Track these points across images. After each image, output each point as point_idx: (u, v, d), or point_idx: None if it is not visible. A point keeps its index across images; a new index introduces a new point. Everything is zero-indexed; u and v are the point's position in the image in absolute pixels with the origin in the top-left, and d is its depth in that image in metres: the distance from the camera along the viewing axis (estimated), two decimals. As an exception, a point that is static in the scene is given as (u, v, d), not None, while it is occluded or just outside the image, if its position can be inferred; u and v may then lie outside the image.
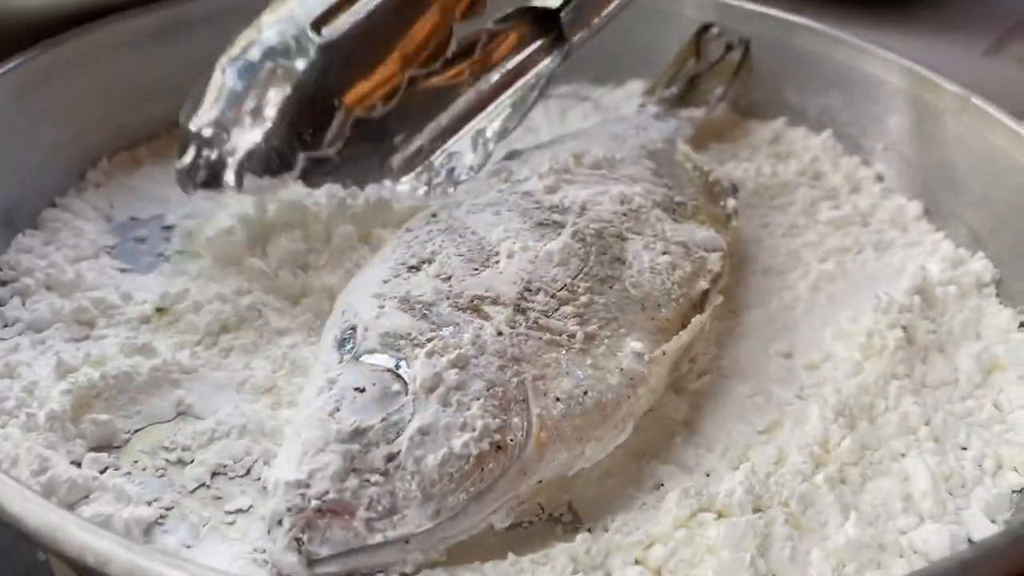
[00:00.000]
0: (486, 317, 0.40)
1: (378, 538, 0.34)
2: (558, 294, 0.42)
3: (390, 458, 0.35)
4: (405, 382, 0.37)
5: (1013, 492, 0.40)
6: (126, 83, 0.59)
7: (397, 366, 0.38)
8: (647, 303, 0.43)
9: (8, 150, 0.51)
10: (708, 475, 0.40)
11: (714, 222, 0.50)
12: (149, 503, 0.38)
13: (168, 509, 0.38)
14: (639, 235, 0.46)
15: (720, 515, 0.37)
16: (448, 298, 0.41)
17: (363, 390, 0.37)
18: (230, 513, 0.38)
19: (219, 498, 0.39)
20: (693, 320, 0.43)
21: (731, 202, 0.53)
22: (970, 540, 0.38)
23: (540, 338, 0.40)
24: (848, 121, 0.63)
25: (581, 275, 0.43)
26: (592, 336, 0.41)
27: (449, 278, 0.42)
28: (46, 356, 0.44)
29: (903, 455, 0.41)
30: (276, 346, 0.46)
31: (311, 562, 0.33)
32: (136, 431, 0.41)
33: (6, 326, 0.46)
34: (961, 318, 0.49)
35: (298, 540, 0.33)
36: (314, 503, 0.33)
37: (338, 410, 0.36)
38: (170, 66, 0.61)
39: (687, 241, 0.47)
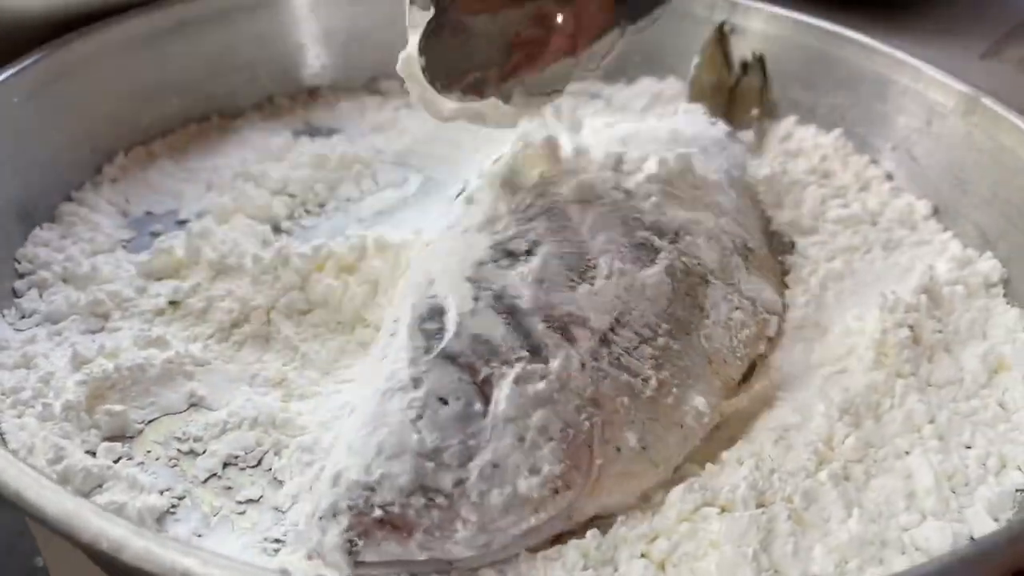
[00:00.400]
0: (572, 340, 0.39)
1: (424, 556, 0.34)
2: (641, 331, 0.41)
3: (458, 483, 0.35)
4: (487, 400, 0.37)
5: (1016, 491, 0.40)
6: (140, 80, 0.60)
7: (484, 381, 0.37)
8: (715, 357, 0.43)
9: (24, 146, 0.52)
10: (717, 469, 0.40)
11: (773, 277, 0.50)
12: (161, 492, 0.39)
13: (180, 498, 0.39)
14: (719, 282, 0.46)
15: (723, 510, 0.38)
16: (541, 309, 0.40)
17: (447, 403, 0.36)
18: (240, 503, 0.39)
19: (230, 488, 0.39)
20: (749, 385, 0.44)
21: (791, 259, 0.52)
22: (972, 538, 0.38)
23: (618, 378, 0.39)
24: (857, 120, 0.63)
25: (665, 315, 0.42)
26: (663, 384, 0.40)
27: (544, 282, 0.41)
28: (62, 348, 0.45)
29: (907, 453, 0.41)
30: (288, 340, 0.46)
31: (356, 563, 0.33)
32: (149, 422, 0.42)
33: (23, 318, 0.47)
34: (968, 318, 0.49)
35: (351, 542, 0.33)
36: (377, 512, 0.33)
37: (420, 418, 0.36)
38: (183, 63, 0.62)
39: (756, 299, 0.47)
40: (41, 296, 0.48)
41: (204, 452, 0.41)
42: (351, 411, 0.40)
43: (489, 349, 0.38)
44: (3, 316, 0.46)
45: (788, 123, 0.66)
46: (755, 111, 0.65)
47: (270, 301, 0.47)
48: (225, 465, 0.40)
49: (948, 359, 0.47)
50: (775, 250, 0.52)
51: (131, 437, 0.42)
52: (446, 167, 0.62)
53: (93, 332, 0.46)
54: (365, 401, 0.39)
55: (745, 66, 0.67)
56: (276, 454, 0.41)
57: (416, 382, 0.37)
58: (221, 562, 0.26)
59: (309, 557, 0.34)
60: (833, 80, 0.64)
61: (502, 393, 0.37)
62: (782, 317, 0.48)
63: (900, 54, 0.61)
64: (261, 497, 0.39)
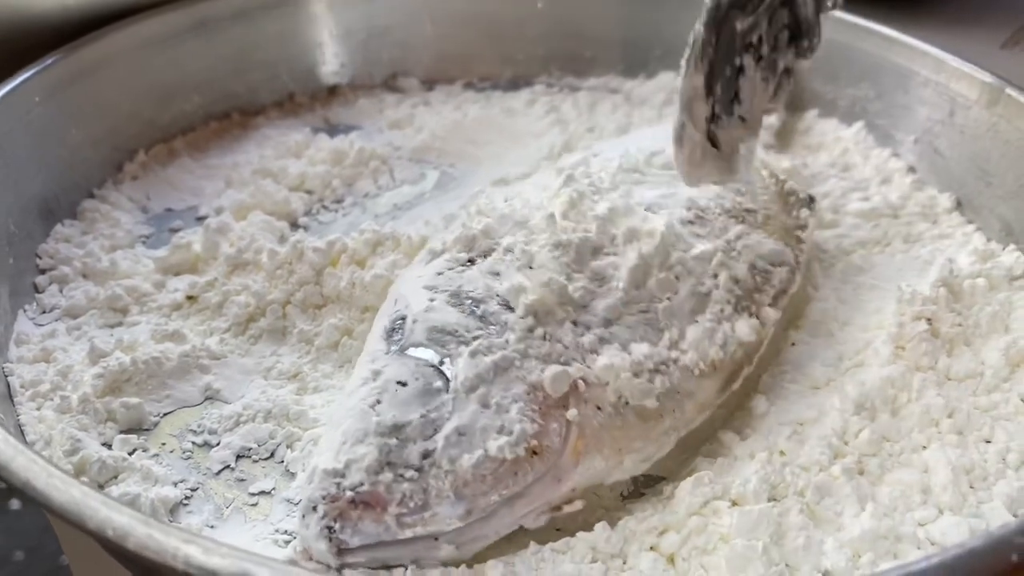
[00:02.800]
0: (535, 316, 0.39)
1: (408, 533, 0.34)
2: (610, 300, 0.41)
3: (425, 455, 0.34)
4: (447, 379, 0.37)
5: (1036, 486, 0.40)
6: (161, 78, 0.61)
7: (441, 362, 0.37)
8: (709, 302, 0.42)
9: (46, 144, 0.53)
10: (728, 463, 0.40)
11: (785, 234, 0.49)
12: (175, 484, 0.39)
13: (193, 490, 0.39)
14: (704, 240, 0.45)
15: (735, 503, 0.37)
16: (498, 295, 0.40)
17: (405, 384, 0.37)
18: (253, 495, 0.39)
19: (243, 480, 0.40)
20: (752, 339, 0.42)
21: (804, 213, 0.51)
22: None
23: (587, 344, 0.39)
24: (879, 112, 0.62)
25: (631, 284, 0.42)
26: (646, 333, 0.40)
27: (499, 274, 0.42)
28: (81, 342, 0.45)
29: (924, 447, 0.41)
30: (303, 334, 0.46)
31: (341, 551, 0.33)
32: (165, 414, 0.43)
33: (44, 312, 0.48)
34: (989, 311, 0.48)
35: (329, 528, 0.33)
36: (348, 494, 0.33)
37: (379, 402, 0.36)
38: (204, 61, 0.63)
39: (754, 252, 0.46)
40: (61, 291, 0.49)
41: (218, 444, 0.41)
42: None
43: (446, 335, 0.39)
44: (24, 311, 0.47)
45: (810, 116, 0.65)
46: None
47: (285, 295, 0.47)
48: (238, 457, 0.41)
49: (968, 353, 0.46)
50: (791, 206, 0.51)
51: (147, 429, 0.42)
52: (463, 163, 0.62)
53: (111, 326, 0.47)
54: (334, 411, 0.39)
55: None
56: (289, 447, 0.41)
57: (375, 374, 0.38)
58: (223, 550, 0.26)
59: (306, 558, 0.34)
60: (854, 72, 0.63)
61: (459, 365, 0.37)
62: (793, 267, 0.47)
63: (922, 45, 0.60)
64: (273, 489, 0.39)
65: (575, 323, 0.40)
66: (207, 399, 0.44)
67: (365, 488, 0.34)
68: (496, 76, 0.72)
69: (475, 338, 0.38)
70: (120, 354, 0.44)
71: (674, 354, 0.40)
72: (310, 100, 0.68)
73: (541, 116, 0.66)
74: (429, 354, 0.38)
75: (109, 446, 0.40)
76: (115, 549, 0.29)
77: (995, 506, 0.38)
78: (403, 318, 0.40)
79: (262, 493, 0.39)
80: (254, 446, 0.41)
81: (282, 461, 0.41)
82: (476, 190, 0.57)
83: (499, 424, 0.35)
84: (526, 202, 0.48)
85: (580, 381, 0.38)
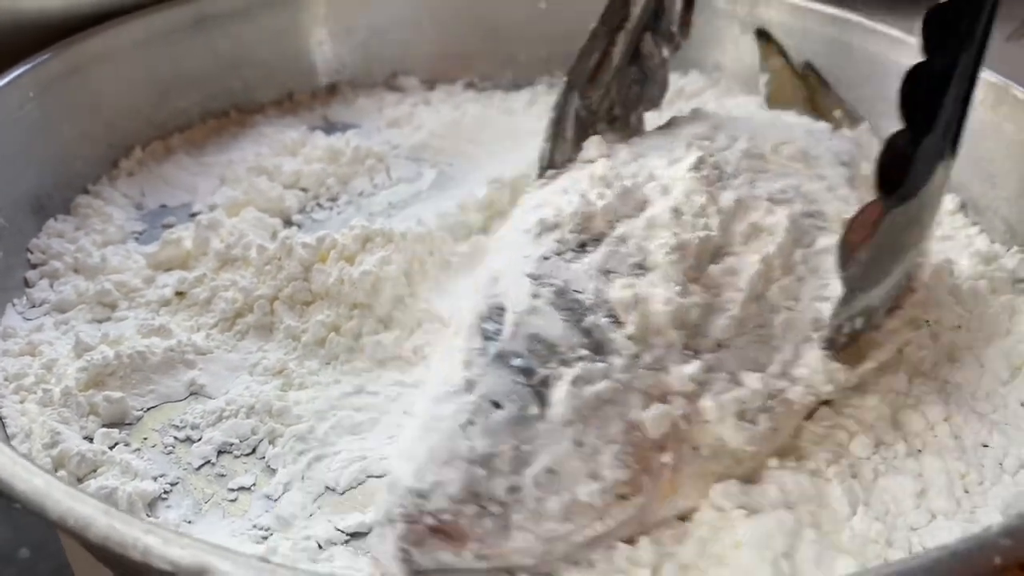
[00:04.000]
0: (644, 339, 0.37)
1: (483, 564, 0.33)
2: (724, 319, 0.38)
3: (512, 490, 0.33)
4: (543, 404, 0.35)
5: (1034, 490, 0.38)
6: (158, 75, 0.61)
7: (542, 382, 0.35)
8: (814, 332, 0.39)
9: (39, 139, 0.53)
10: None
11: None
12: (155, 478, 0.39)
13: (173, 485, 0.39)
14: (827, 234, 0.41)
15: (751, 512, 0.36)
16: (607, 303, 0.37)
17: (500, 406, 0.34)
18: (232, 490, 0.39)
19: (223, 475, 0.39)
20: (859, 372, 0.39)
21: None
22: None
23: (693, 375, 0.36)
24: (883, 113, 0.61)
25: (751, 297, 0.39)
26: (753, 366, 0.37)
27: (610, 273, 0.39)
28: (67, 336, 0.45)
29: (920, 451, 0.40)
30: (290, 330, 0.46)
31: (414, 572, 0.33)
32: (149, 409, 0.42)
33: (33, 307, 0.47)
34: (991, 314, 0.47)
35: (405, 551, 0.32)
36: (429, 520, 0.32)
37: (472, 424, 0.34)
38: (202, 58, 0.63)
39: None
40: (52, 286, 0.48)
41: (200, 439, 0.41)
42: (409, 415, 0.38)
43: (547, 348, 0.36)
44: (13, 305, 0.47)
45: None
46: (838, 112, 0.62)
47: (273, 291, 0.47)
48: (220, 453, 0.40)
49: (970, 356, 0.45)
50: None
51: (130, 424, 0.42)
52: (461, 162, 0.62)
53: (99, 321, 0.47)
54: (422, 405, 0.37)
55: (805, 75, 0.65)
56: (271, 442, 0.41)
57: (469, 385, 0.35)
58: (183, 541, 0.26)
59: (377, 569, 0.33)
60: (858, 72, 0.62)
61: (559, 395, 0.34)
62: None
63: (927, 45, 0.59)
64: (253, 485, 0.39)
65: (684, 347, 0.37)
66: (191, 394, 0.43)
67: (447, 517, 0.32)
68: (497, 76, 0.71)
69: (578, 358, 0.36)
70: (105, 348, 0.43)
71: (782, 384, 0.37)
72: (309, 98, 0.68)
73: (541, 116, 0.65)
74: (527, 368, 0.36)
75: (91, 440, 0.40)
76: (81, 541, 0.28)
77: (989, 511, 0.37)
78: (501, 309, 0.38)
79: (241, 489, 0.39)
80: (236, 441, 0.41)
81: (263, 457, 0.40)
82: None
83: (591, 468, 0.33)
84: (650, 174, 0.44)
85: (681, 420, 0.35)
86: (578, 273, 0.39)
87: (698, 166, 0.43)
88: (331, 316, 0.46)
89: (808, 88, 0.63)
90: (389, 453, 0.38)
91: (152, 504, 0.38)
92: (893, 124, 0.60)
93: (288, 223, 0.55)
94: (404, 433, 0.37)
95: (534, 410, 0.34)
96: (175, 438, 0.41)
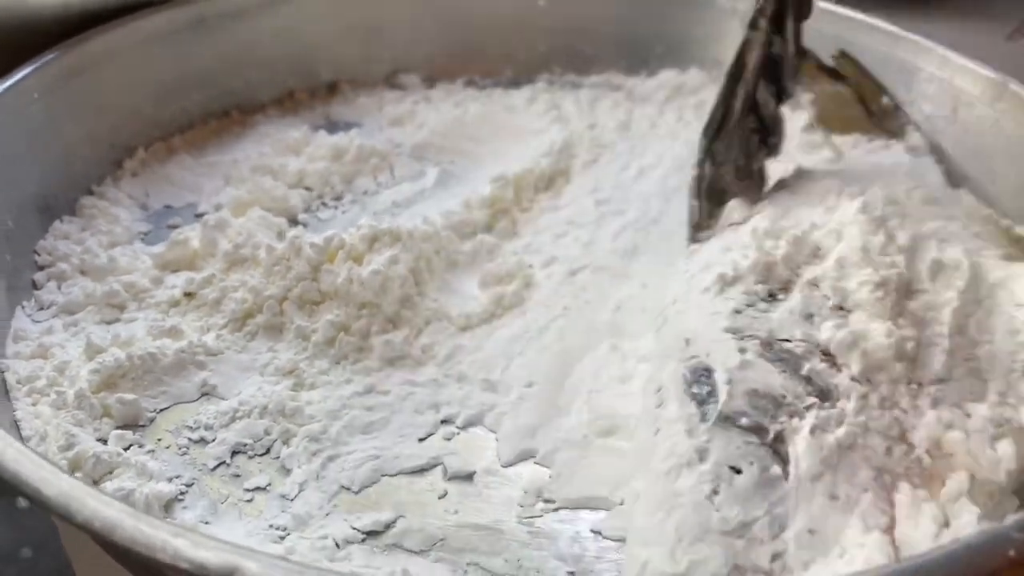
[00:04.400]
0: (868, 378, 0.36)
1: None
2: (938, 351, 0.37)
3: (775, 557, 0.31)
4: (784, 462, 0.34)
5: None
6: (160, 75, 0.60)
7: (775, 439, 0.34)
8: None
9: (45, 141, 0.53)
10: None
11: None
12: (170, 480, 0.39)
13: (188, 486, 0.39)
14: (998, 271, 0.41)
15: None
16: (819, 347, 0.37)
17: (740, 471, 0.33)
18: (248, 491, 0.39)
19: (238, 476, 0.40)
20: None
21: None
22: None
23: (929, 405, 0.35)
24: (882, 109, 0.62)
25: (956, 330, 0.38)
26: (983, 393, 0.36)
27: (814, 316, 0.38)
28: (77, 338, 0.45)
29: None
30: (299, 330, 0.46)
31: None
32: (161, 410, 0.43)
33: (42, 309, 0.47)
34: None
35: None
36: None
37: (716, 493, 0.33)
38: (203, 58, 0.63)
39: None
40: (59, 288, 0.48)
41: (214, 440, 0.41)
42: (635, 498, 0.36)
43: (772, 403, 0.35)
44: (23, 308, 0.47)
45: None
46: (902, 117, 0.60)
47: (282, 291, 0.47)
48: (234, 453, 0.41)
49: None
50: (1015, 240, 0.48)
51: (143, 425, 0.42)
52: (463, 160, 0.62)
53: (108, 323, 0.47)
54: (648, 484, 0.35)
55: (836, 72, 0.63)
56: (284, 443, 0.41)
57: (701, 454, 0.34)
58: (211, 543, 0.26)
59: None
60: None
61: (799, 449, 0.33)
62: None
63: (925, 41, 0.59)
64: (268, 485, 0.39)
65: (908, 382, 0.36)
66: (203, 395, 0.43)
67: None
68: (497, 73, 0.71)
69: (807, 407, 0.35)
70: (116, 350, 0.43)
71: (1007, 412, 0.36)
72: (310, 97, 0.68)
73: (542, 113, 0.66)
74: (757, 426, 0.34)
75: (105, 442, 0.40)
76: (106, 543, 0.28)
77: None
78: (708, 370, 0.37)
79: (257, 489, 0.39)
80: (250, 442, 0.41)
81: (278, 457, 0.40)
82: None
83: (851, 520, 0.32)
84: (811, 223, 0.43)
85: (925, 455, 0.34)
86: (779, 322, 0.38)
87: (866, 209, 0.43)
88: (340, 316, 0.46)
89: (854, 92, 0.62)
90: (627, 539, 0.35)
91: (168, 505, 0.38)
92: (893, 120, 0.61)
93: (294, 222, 0.55)
94: (633, 516, 0.35)
95: (777, 470, 0.33)
96: (189, 439, 0.41)
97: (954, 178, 0.56)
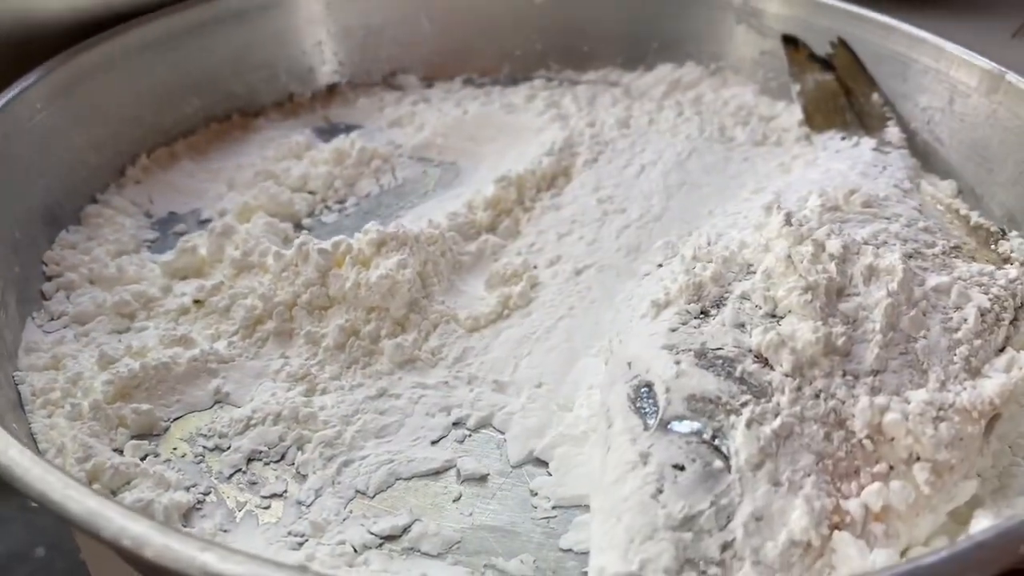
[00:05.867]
0: (801, 372, 0.37)
1: None
2: (872, 345, 0.38)
3: (725, 547, 0.32)
4: (725, 456, 0.34)
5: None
6: (160, 82, 0.61)
7: (714, 437, 0.35)
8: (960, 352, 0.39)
9: (48, 151, 0.53)
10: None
11: (999, 261, 0.47)
12: (187, 489, 0.39)
13: (205, 494, 0.39)
14: (933, 274, 0.43)
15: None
16: (751, 350, 0.38)
17: (683, 468, 0.34)
18: (265, 498, 0.39)
19: (255, 483, 0.40)
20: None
21: (1006, 244, 0.49)
22: None
23: (865, 393, 0.37)
24: (880, 102, 0.62)
25: (888, 326, 0.39)
26: (925, 380, 0.37)
27: (744, 326, 0.40)
28: (89, 348, 0.45)
29: None
30: (310, 335, 0.46)
31: None
32: (176, 419, 0.43)
33: (52, 319, 0.48)
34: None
35: None
36: None
37: (660, 492, 0.33)
38: (203, 64, 0.63)
39: (990, 282, 0.43)
40: (68, 298, 0.49)
41: (229, 448, 0.41)
42: (592, 515, 0.36)
43: (709, 404, 0.36)
44: (32, 319, 0.47)
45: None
46: (885, 109, 0.61)
47: (291, 297, 0.47)
48: (249, 460, 0.41)
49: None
50: (986, 239, 0.50)
51: (158, 435, 0.42)
52: (464, 160, 0.62)
53: (120, 332, 0.47)
54: (599, 498, 0.36)
55: (827, 62, 0.65)
56: (299, 449, 0.41)
57: (644, 458, 0.35)
58: (238, 557, 0.27)
59: None
60: (854, 62, 0.63)
61: (738, 441, 0.34)
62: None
63: (920, 32, 0.60)
64: (285, 491, 0.40)
65: (843, 374, 0.37)
66: (216, 403, 0.44)
67: None
68: (495, 71, 0.72)
69: (743, 404, 0.36)
70: (129, 360, 0.44)
71: (949, 397, 0.37)
72: (310, 100, 0.68)
73: (541, 111, 0.66)
74: (696, 428, 0.35)
75: (121, 452, 0.41)
76: (133, 559, 0.29)
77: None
78: (648, 385, 0.38)
79: (274, 496, 0.40)
80: (264, 449, 0.41)
81: (293, 463, 0.41)
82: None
83: (796, 503, 0.33)
84: (741, 241, 0.45)
85: (867, 440, 0.35)
86: (711, 334, 0.39)
87: (789, 221, 0.44)
88: (349, 320, 0.46)
89: (842, 83, 0.63)
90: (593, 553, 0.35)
91: (187, 514, 0.38)
92: (888, 111, 0.62)
93: (298, 227, 0.55)
94: (591, 529, 0.35)
95: (719, 463, 0.34)
96: (204, 447, 0.42)
97: (939, 172, 0.58)
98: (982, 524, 0.34)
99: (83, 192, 0.55)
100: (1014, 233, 0.50)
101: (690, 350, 0.39)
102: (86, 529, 0.28)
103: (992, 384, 0.38)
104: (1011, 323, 0.43)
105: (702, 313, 0.41)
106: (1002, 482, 0.39)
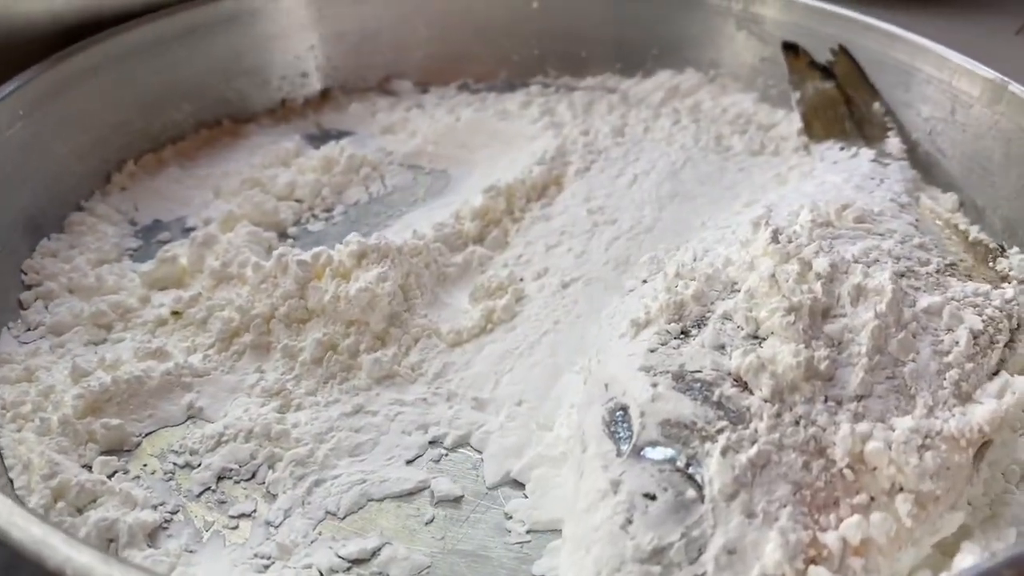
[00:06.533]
0: (781, 398, 0.36)
1: None
2: (856, 369, 0.37)
3: None
4: (699, 485, 0.33)
5: None
6: (149, 87, 0.60)
7: (687, 464, 0.34)
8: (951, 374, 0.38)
9: (31, 158, 0.52)
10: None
11: (995, 279, 0.46)
12: (155, 507, 0.39)
13: (173, 513, 0.39)
14: (925, 294, 0.41)
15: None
16: (731, 374, 0.37)
17: (654, 497, 0.33)
18: (233, 518, 0.39)
19: (223, 502, 0.39)
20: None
21: (1005, 262, 0.47)
22: None
23: (848, 420, 0.35)
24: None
25: (875, 350, 0.38)
26: (910, 408, 0.36)
27: (723, 347, 0.38)
28: (64, 360, 0.45)
29: None
30: (287, 349, 0.46)
31: None
32: (147, 434, 0.42)
33: (29, 330, 0.47)
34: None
35: None
36: None
37: (630, 522, 0.32)
38: (193, 68, 0.62)
39: (984, 303, 0.42)
40: (47, 308, 0.48)
41: (199, 465, 0.41)
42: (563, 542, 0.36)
43: (684, 429, 0.35)
44: (8, 329, 0.47)
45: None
46: (886, 118, 0.60)
47: (269, 310, 0.47)
48: (219, 478, 0.40)
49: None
50: (984, 256, 0.48)
51: (128, 450, 0.42)
52: (455, 168, 0.62)
53: (96, 344, 0.46)
54: (570, 526, 0.35)
55: (827, 69, 0.63)
56: (270, 467, 0.41)
57: (615, 486, 0.33)
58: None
59: None
60: (854, 69, 0.62)
61: (712, 470, 0.33)
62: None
63: (923, 41, 0.58)
64: (254, 511, 0.39)
65: (826, 399, 0.36)
66: (190, 418, 0.43)
67: None
68: (491, 77, 0.71)
69: (718, 431, 0.34)
70: (102, 373, 0.43)
71: (936, 424, 0.35)
72: (302, 106, 0.67)
73: (536, 119, 0.65)
74: (669, 455, 0.34)
75: (90, 468, 0.40)
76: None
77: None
78: (624, 408, 0.37)
79: (242, 516, 0.39)
80: (235, 467, 0.41)
81: (263, 482, 0.40)
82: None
83: (770, 535, 0.32)
84: (726, 258, 0.44)
85: (848, 470, 0.34)
86: (690, 355, 0.38)
87: (776, 238, 0.42)
88: (327, 334, 0.46)
89: (842, 91, 0.62)
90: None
91: (153, 534, 0.38)
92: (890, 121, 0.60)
93: (283, 236, 0.55)
94: (560, 559, 0.35)
95: (692, 493, 0.33)
96: (174, 464, 0.41)
97: (941, 183, 0.56)
98: (967, 560, 0.33)
99: (68, 199, 0.55)
100: (1015, 249, 0.49)
101: (668, 372, 0.37)
102: (30, 558, 0.28)
103: (982, 410, 0.36)
104: (1006, 345, 0.41)
105: (682, 333, 0.40)
106: (993, 511, 0.37)
